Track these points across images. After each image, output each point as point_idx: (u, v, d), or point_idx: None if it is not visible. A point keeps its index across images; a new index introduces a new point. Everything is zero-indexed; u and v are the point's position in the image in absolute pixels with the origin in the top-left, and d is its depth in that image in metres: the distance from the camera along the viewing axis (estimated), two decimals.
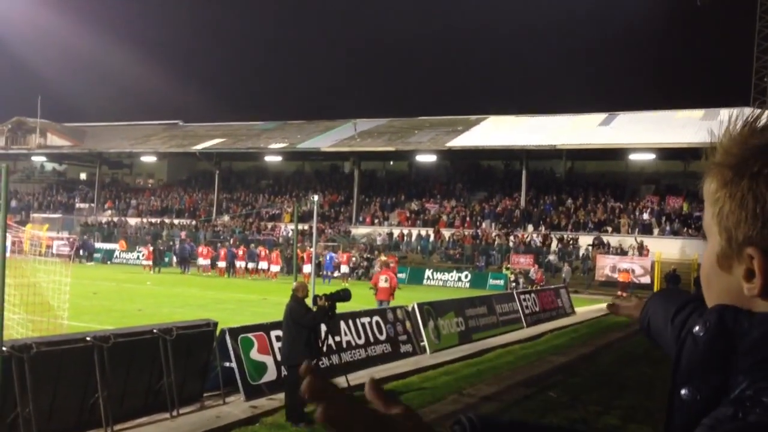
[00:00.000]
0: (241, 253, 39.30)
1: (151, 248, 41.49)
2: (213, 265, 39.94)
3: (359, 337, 12.90)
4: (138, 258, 45.38)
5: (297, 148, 51.58)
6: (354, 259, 40.52)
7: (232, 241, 44.72)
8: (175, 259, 42.11)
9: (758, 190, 0.85)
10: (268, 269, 37.53)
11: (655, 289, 38.28)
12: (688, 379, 0.88)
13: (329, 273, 37.72)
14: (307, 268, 34.81)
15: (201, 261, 40.25)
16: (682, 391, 0.88)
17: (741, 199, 0.87)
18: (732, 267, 0.89)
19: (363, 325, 13.19)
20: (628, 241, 39.70)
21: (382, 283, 20.03)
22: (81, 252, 44.97)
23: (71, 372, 7.64)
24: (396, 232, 45.79)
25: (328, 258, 38.71)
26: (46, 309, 11.79)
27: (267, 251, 38.79)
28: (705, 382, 0.86)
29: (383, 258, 40.61)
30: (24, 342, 7.41)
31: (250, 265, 38.71)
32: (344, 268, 38.41)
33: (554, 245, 41.17)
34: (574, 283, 36.61)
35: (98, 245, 48.99)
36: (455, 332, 16.42)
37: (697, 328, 0.89)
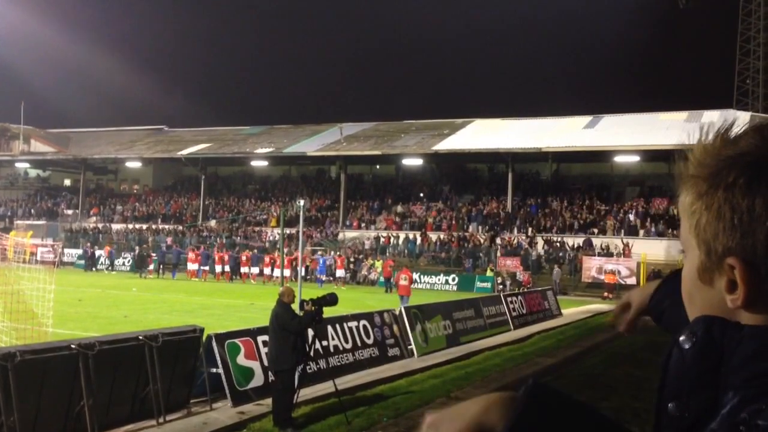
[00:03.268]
0: (245, 258, 39.15)
1: (198, 252, 41.23)
2: (200, 270, 39.78)
3: (347, 342, 12.86)
4: (123, 264, 45.21)
5: (283, 153, 51.48)
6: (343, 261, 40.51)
7: (217, 246, 44.53)
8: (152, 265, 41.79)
9: (734, 201, 0.84)
10: (271, 274, 37.47)
11: None
12: (676, 393, 0.86)
13: (322, 277, 37.66)
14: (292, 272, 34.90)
15: (190, 266, 40.05)
16: (670, 406, 0.86)
17: (718, 210, 0.86)
18: (713, 280, 0.88)
19: (350, 329, 13.17)
20: (614, 242, 39.91)
21: (402, 281, 23.97)
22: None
23: (56, 380, 7.57)
24: (383, 235, 45.78)
25: (321, 262, 38.60)
26: (30, 317, 11.68)
27: (273, 256, 38.77)
28: (693, 397, 0.84)
29: (369, 261, 40.75)
30: (8, 350, 7.33)
31: (255, 270, 38.55)
32: (340, 272, 38.31)
33: (540, 247, 41.32)
34: (560, 284, 36.77)
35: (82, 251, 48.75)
36: (443, 335, 16.42)
37: (682, 338, 0.87)
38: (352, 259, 41.98)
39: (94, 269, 44.39)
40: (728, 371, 0.82)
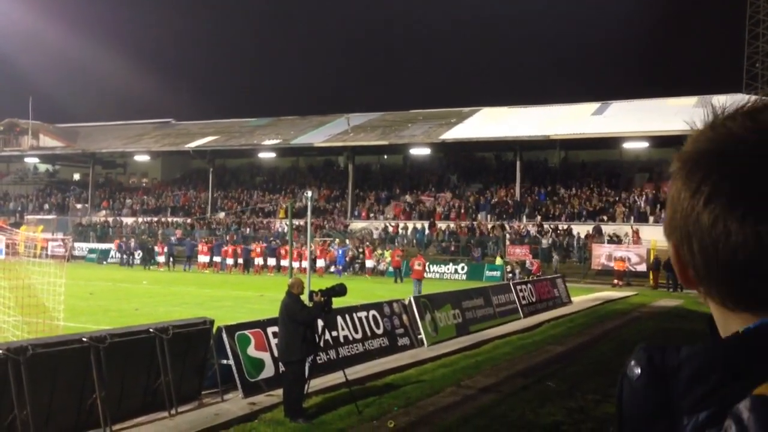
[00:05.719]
0: (258, 250, 39.13)
1: (210, 244, 41.10)
2: (211, 262, 39.90)
3: (356, 332, 12.88)
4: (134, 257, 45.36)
5: (290, 144, 51.47)
6: (351, 252, 40.49)
7: (228, 238, 44.65)
8: (163, 258, 41.83)
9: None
10: (288, 265, 37.51)
11: (651, 278, 37.52)
12: (635, 427, 0.84)
13: (339, 267, 37.63)
14: (306, 264, 34.90)
15: (201, 258, 40.16)
16: None
17: None
18: None
19: (360, 319, 13.19)
20: (624, 229, 39.76)
21: (416, 266, 26.25)
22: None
23: (68, 373, 7.62)
24: (391, 225, 45.77)
25: (339, 252, 38.57)
26: (41, 310, 11.76)
27: (288, 248, 38.78)
28: (652, 428, 0.82)
29: (378, 251, 40.75)
30: (20, 344, 7.38)
31: (271, 262, 38.52)
32: (369, 263, 38.23)
33: (549, 235, 41.20)
34: (570, 272, 36.64)
35: (93, 245, 48.95)
36: (452, 324, 16.42)
37: (629, 370, 0.85)
38: (360, 250, 42.03)
39: (132, 263, 42.91)
40: (677, 397, 0.80)
